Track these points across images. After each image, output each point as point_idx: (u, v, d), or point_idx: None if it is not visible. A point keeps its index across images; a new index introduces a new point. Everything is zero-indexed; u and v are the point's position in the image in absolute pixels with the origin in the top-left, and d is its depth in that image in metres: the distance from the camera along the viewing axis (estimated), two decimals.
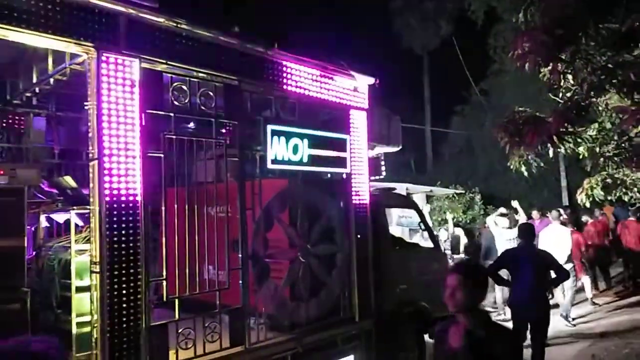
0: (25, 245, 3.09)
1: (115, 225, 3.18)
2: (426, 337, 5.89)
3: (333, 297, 4.66)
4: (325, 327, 4.52)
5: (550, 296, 7.54)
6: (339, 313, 4.74)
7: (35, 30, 2.97)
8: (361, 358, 4.83)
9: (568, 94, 6.15)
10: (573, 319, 8.18)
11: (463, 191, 16.35)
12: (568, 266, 8.02)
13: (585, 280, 9.16)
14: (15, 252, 2.95)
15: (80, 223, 4.14)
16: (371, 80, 5.24)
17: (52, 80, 4.20)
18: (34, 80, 4.17)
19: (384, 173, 6.30)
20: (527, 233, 5.70)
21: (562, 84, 6.11)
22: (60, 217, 4.52)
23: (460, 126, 23.03)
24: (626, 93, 5.47)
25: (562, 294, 8.19)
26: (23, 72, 4.37)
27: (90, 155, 3.23)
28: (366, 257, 4.98)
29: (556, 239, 7.91)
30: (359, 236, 4.92)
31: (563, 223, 8.73)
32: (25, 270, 3.05)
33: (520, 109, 6.19)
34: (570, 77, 5.94)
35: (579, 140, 6.28)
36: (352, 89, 5.04)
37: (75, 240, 3.49)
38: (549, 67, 5.87)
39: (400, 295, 5.51)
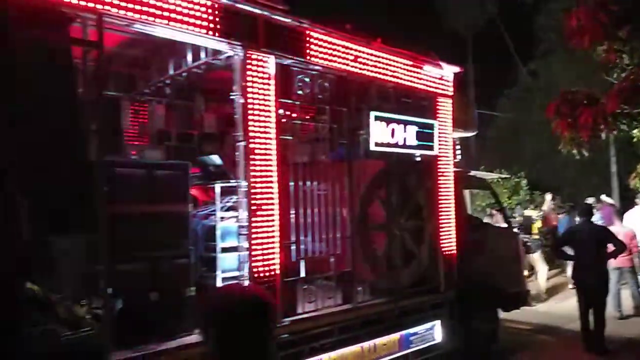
0: (189, 210, 3.73)
1: (258, 196, 3.78)
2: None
3: (422, 267, 5.18)
4: (416, 294, 5.05)
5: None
6: (426, 283, 5.25)
7: (199, 31, 3.57)
8: (446, 324, 5.33)
9: (623, 74, 6.15)
10: None
11: (508, 176, 16.31)
12: None
13: None
14: (182, 216, 3.60)
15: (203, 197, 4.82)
16: (456, 69, 5.65)
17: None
18: (170, 72, 4.81)
19: (459, 156, 6.70)
20: (586, 212, 6.47)
21: (617, 62, 6.11)
22: None
23: (506, 108, 22.64)
24: None
25: None
26: (156, 65, 5.02)
27: (238, 137, 3.83)
28: (450, 233, 5.45)
29: None
30: (443, 214, 5.40)
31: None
32: (190, 232, 3.70)
33: (573, 90, 6.22)
34: (626, 56, 5.95)
35: (634, 122, 6.30)
36: (439, 77, 5.48)
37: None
38: (604, 46, 5.91)
39: (477, 270, 5.95)
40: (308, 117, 4.60)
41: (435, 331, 5.23)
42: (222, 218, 4.13)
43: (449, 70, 5.58)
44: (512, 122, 21.96)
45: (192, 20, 3.54)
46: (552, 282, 10.34)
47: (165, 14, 3.40)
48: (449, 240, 5.43)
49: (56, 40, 2.86)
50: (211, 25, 3.62)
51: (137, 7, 3.23)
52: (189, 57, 4.44)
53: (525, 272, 8.91)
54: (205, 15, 3.60)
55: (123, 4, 3.15)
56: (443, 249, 5.35)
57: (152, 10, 3.33)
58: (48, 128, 2.65)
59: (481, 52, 24.40)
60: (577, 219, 9.09)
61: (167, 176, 3.57)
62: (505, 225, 6.88)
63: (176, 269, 3.53)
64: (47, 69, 2.76)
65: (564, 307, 8.74)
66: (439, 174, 5.40)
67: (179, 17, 3.46)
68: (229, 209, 4.20)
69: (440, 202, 5.37)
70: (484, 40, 23.83)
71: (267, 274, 3.79)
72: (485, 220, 10.00)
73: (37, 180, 2.66)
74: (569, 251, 6.52)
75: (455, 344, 5.40)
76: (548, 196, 10.52)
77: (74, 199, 2.80)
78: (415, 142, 5.05)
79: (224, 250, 4.06)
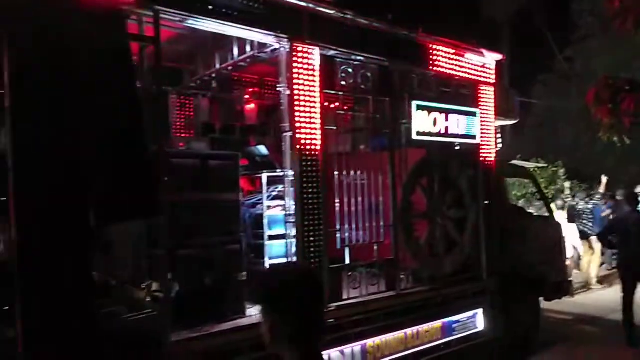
0: (240, 199, 3.88)
1: (304, 185, 3.89)
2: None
3: (464, 256, 5.20)
4: (459, 282, 5.07)
5: None
6: (469, 271, 5.26)
7: (247, 25, 3.68)
8: (487, 313, 5.34)
9: None
10: None
11: (545, 165, 15.98)
12: None
13: None
14: (234, 204, 3.75)
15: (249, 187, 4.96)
16: (499, 56, 5.59)
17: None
18: (217, 66, 4.95)
19: (500, 145, 6.63)
20: (633, 200, 6.47)
21: None
22: None
23: (542, 96, 22.04)
24: None
25: None
26: (202, 59, 5.18)
27: (284, 128, 3.94)
28: (492, 222, 5.44)
29: None
30: (486, 202, 5.38)
31: None
32: (240, 219, 3.85)
33: (614, 75, 6.06)
34: None
35: None
36: (481, 65, 5.43)
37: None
38: None
39: (520, 259, 5.90)
40: (350, 107, 4.66)
41: (477, 319, 5.25)
42: (268, 207, 4.26)
43: (490, 58, 5.53)
44: (549, 109, 21.38)
45: (240, 15, 3.64)
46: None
47: (217, 9, 3.51)
48: (491, 229, 5.41)
49: (118, 37, 3.01)
50: (259, 19, 3.72)
51: (191, 3, 3.35)
52: (235, 51, 4.56)
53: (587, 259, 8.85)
54: (253, 10, 3.70)
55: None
56: (485, 238, 5.34)
57: (203, 6, 3.45)
58: (116, 121, 2.82)
59: (516, 38, 23.77)
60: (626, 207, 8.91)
61: (219, 166, 3.71)
62: (547, 214, 6.79)
63: (228, 255, 3.68)
64: (112, 65, 2.92)
65: (606, 297, 8.58)
66: (481, 162, 5.39)
67: (229, 11, 3.57)
68: (274, 197, 4.33)
69: (482, 190, 5.36)
70: (518, 26, 23.21)
71: (313, 260, 3.90)
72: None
73: (104, 169, 2.83)
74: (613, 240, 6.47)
75: (497, 333, 5.40)
76: (604, 179, 10.34)
77: (139, 187, 2.96)
78: (457, 131, 5.04)
79: (271, 238, 4.20)
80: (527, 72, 22.09)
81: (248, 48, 4.48)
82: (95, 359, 2.65)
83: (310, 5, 3.99)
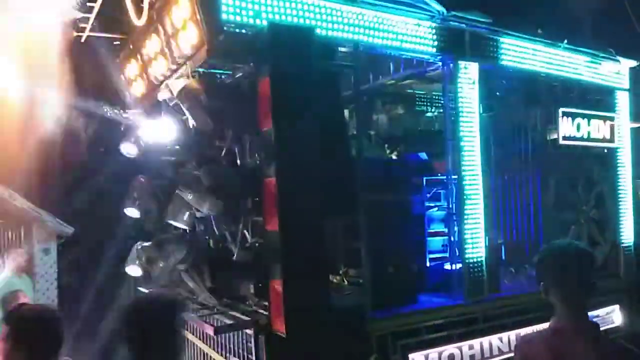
0: (413, 199, 4.44)
1: (466, 187, 4.35)
2: None
3: (604, 255, 5.42)
4: (597, 279, 5.28)
5: None
6: (606, 268, 5.48)
7: (424, 47, 4.21)
8: (624, 309, 5.52)
9: None
10: None
11: None
12: None
13: None
14: (407, 204, 4.32)
15: None
16: (632, 62, 5.74)
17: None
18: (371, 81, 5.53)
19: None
20: None
21: None
22: None
23: None
24: None
25: None
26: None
27: (447, 136, 4.43)
28: (631, 222, 5.62)
29: None
30: (624, 202, 5.57)
31: None
32: (412, 217, 4.42)
33: None
34: None
35: None
36: (617, 71, 5.62)
37: None
38: None
39: None
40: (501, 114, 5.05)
41: (614, 315, 5.45)
42: (428, 207, 4.77)
43: (625, 64, 5.71)
44: None
45: (417, 40, 4.18)
46: None
47: (401, 38, 4.08)
48: (628, 229, 5.60)
49: (331, 66, 3.66)
50: (433, 42, 4.24)
51: (383, 36, 3.95)
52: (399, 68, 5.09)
53: None
54: (429, 35, 4.23)
55: (375, 34, 3.89)
56: (623, 237, 5.54)
57: (391, 36, 4.03)
58: (331, 134, 3.46)
59: (601, 32, 22.57)
60: None
61: (396, 171, 4.28)
62: None
63: (404, 248, 4.23)
64: (326, 91, 3.56)
65: None
66: (619, 164, 5.58)
67: (410, 38, 4.12)
68: (431, 198, 4.83)
69: (619, 192, 5.56)
70: (603, 18, 22.04)
71: (474, 255, 4.35)
72: None
73: (324, 177, 3.44)
74: None
75: (634, 329, 5.56)
76: None
77: (341, 189, 3.58)
78: (597, 135, 5.30)
79: (430, 234, 4.71)
80: None
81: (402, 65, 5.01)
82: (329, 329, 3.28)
83: (472, 28, 4.45)
